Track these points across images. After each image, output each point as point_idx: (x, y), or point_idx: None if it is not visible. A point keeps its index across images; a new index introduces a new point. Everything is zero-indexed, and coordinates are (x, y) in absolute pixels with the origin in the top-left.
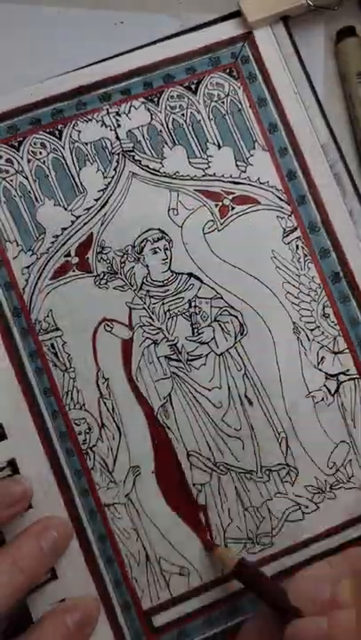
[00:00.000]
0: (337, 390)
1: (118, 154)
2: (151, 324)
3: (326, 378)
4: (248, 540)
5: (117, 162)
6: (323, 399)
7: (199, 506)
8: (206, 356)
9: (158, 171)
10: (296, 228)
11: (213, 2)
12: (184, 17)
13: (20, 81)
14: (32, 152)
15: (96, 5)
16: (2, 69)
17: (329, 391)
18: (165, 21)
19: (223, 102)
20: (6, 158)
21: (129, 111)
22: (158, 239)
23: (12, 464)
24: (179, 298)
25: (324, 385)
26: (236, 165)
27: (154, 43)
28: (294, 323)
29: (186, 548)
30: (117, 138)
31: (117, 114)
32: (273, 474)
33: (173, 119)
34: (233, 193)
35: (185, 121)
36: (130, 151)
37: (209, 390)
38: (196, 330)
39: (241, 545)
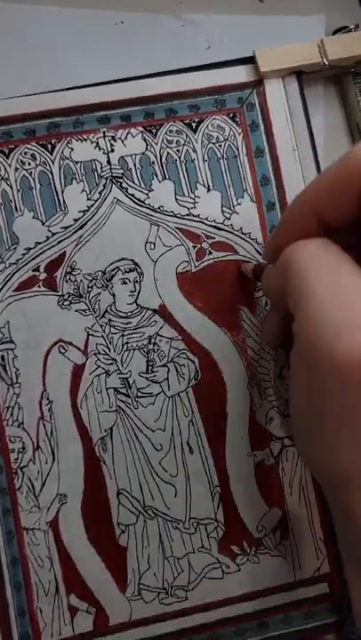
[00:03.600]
0: (280, 454)
1: (106, 178)
2: (107, 354)
3: (271, 439)
4: (162, 590)
5: (104, 186)
6: (264, 460)
7: (120, 546)
8: (156, 395)
9: (143, 202)
10: None
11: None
12: (186, 17)
13: (18, 81)
14: (21, 161)
15: (96, 5)
16: (1, 70)
17: (272, 453)
18: (166, 21)
19: (221, 146)
20: None
21: (125, 137)
22: (130, 270)
23: None
24: (139, 332)
25: (268, 447)
26: (222, 211)
27: (160, 74)
28: (249, 378)
29: (98, 586)
30: (108, 162)
31: (113, 138)
32: (200, 527)
33: (168, 153)
34: (213, 238)
35: (179, 157)
36: (118, 177)
37: (152, 431)
38: (150, 367)
39: (154, 594)
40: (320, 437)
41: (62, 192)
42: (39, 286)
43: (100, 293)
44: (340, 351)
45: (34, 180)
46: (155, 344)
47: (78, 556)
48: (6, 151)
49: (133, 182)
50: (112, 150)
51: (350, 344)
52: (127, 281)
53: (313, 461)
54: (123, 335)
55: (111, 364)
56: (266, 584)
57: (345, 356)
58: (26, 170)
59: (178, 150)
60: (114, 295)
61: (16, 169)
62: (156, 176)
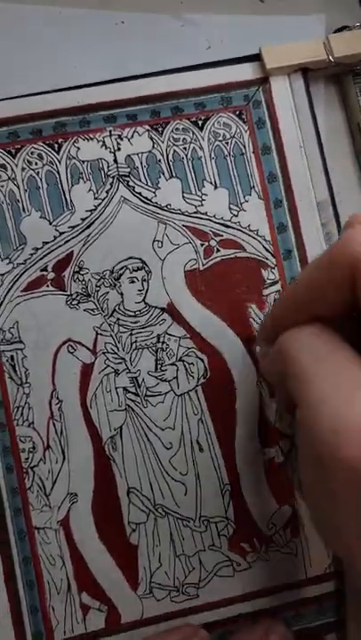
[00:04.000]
0: (290, 451)
1: (113, 177)
2: (115, 353)
3: (281, 437)
4: (173, 588)
5: (111, 185)
6: (274, 458)
7: (131, 545)
8: (165, 394)
9: (150, 200)
10: (277, 282)
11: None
12: (186, 17)
13: (19, 82)
14: (28, 161)
15: (97, 5)
16: (1, 69)
17: (282, 451)
18: (166, 21)
19: (227, 143)
20: (1, 163)
21: (132, 136)
22: (138, 269)
23: None
24: (148, 331)
25: (278, 444)
26: (230, 208)
27: (166, 72)
28: (258, 376)
29: (110, 585)
30: (115, 161)
31: (120, 137)
32: (211, 525)
33: (175, 151)
34: (221, 235)
35: (186, 155)
36: (125, 176)
37: (162, 430)
38: (159, 366)
39: (165, 592)
40: (328, 518)
41: (69, 191)
42: (47, 286)
43: (108, 292)
44: (342, 450)
45: (41, 179)
46: (163, 342)
47: (89, 555)
48: (13, 151)
49: (140, 181)
50: (118, 149)
51: (351, 445)
52: (135, 280)
53: (322, 533)
54: (131, 334)
55: (120, 362)
56: (277, 581)
57: (347, 454)
58: (33, 170)
59: (184, 148)
60: (122, 294)
61: (23, 169)
62: (163, 174)
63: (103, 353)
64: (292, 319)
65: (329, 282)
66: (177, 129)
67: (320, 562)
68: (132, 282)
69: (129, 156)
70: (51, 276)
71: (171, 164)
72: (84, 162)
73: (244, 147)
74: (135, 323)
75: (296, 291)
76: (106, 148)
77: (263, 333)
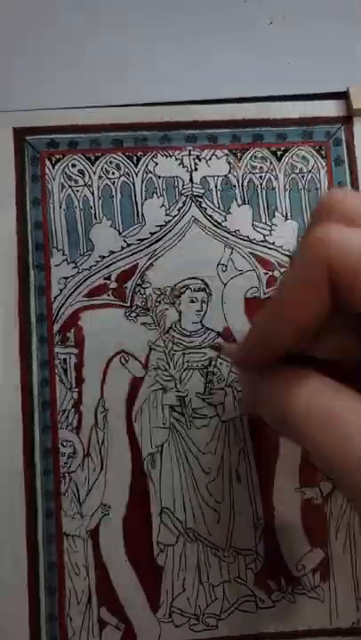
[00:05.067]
0: (329, 494)
1: (187, 196)
2: (166, 370)
3: (322, 478)
4: (193, 616)
5: (183, 203)
6: (312, 498)
7: (157, 565)
8: (210, 418)
9: (220, 224)
10: None
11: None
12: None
13: (104, 91)
14: (105, 170)
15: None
16: (90, 77)
17: (321, 493)
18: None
19: (303, 177)
20: (79, 169)
21: (210, 158)
22: (199, 289)
23: None
24: (201, 353)
25: (318, 485)
26: (298, 242)
27: (252, 100)
28: None
29: (130, 603)
30: (191, 180)
31: (198, 158)
32: (239, 557)
33: (250, 179)
34: (285, 267)
35: (261, 184)
36: (199, 197)
37: (202, 453)
38: (208, 389)
39: (185, 619)
40: None
41: (142, 204)
42: (108, 295)
43: (166, 309)
44: None
45: (116, 189)
46: (215, 366)
47: (114, 569)
48: (92, 158)
49: (213, 203)
50: (195, 169)
51: None
52: (195, 300)
53: None
54: (184, 353)
55: (169, 380)
56: (299, 626)
57: None
58: (109, 179)
59: (260, 177)
60: (180, 312)
61: (100, 177)
62: (236, 200)
63: (154, 368)
64: (276, 334)
65: (306, 289)
66: (255, 156)
67: (348, 614)
68: (192, 301)
69: (205, 177)
70: (113, 285)
71: (245, 190)
72: (160, 177)
73: (320, 182)
74: (190, 343)
75: (275, 304)
76: (183, 166)
77: (244, 357)
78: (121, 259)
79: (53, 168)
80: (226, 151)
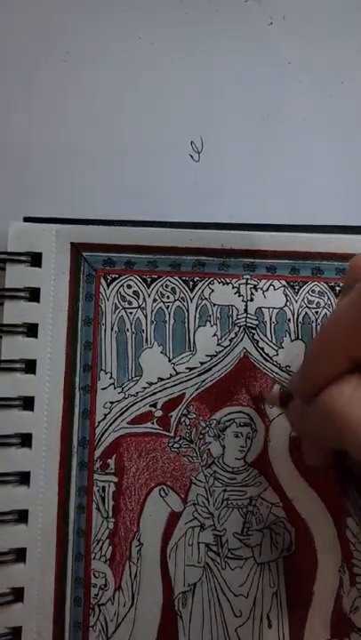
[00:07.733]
0: None
1: (240, 326)
2: (205, 507)
3: (354, 630)
4: None
5: (236, 334)
6: None
7: None
8: (246, 559)
9: (271, 358)
10: None
11: None
12: None
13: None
14: (161, 293)
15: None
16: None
17: None
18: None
19: None
20: (134, 290)
21: (267, 289)
22: (245, 424)
23: (20, 592)
24: (242, 491)
25: (349, 637)
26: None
27: (308, 229)
28: (343, 562)
29: None
30: (246, 310)
31: (255, 287)
32: None
33: (306, 313)
34: None
35: (316, 319)
36: (252, 328)
37: (235, 595)
38: (246, 529)
39: None
40: None
41: (195, 332)
42: (152, 423)
43: (210, 443)
44: None
45: (169, 314)
46: (255, 506)
47: None
48: (148, 280)
49: (266, 336)
50: (251, 299)
51: None
52: (240, 435)
53: None
54: (225, 490)
55: (208, 517)
56: None
57: None
58: (164, 302)
59: (316, 312)
60: (224, 447)
61: (154, 300)
62: (290, 334)
63: (193, 504)
64: (330, 364)
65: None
66: (313, 291)
67: None
68: (237, 436)
69: (260, 308)
70: (158, 413)
71: (300, 325)
72: (215, 305)
73: None
74: (231, 479)
75: (327, 335)
76: (239, 295)
77: (299, 389)
78: (169, 387)
79: (108, 287)
80: (284, 282)
